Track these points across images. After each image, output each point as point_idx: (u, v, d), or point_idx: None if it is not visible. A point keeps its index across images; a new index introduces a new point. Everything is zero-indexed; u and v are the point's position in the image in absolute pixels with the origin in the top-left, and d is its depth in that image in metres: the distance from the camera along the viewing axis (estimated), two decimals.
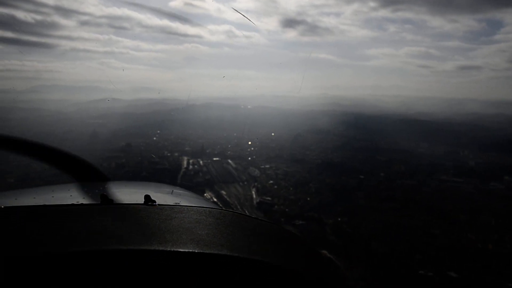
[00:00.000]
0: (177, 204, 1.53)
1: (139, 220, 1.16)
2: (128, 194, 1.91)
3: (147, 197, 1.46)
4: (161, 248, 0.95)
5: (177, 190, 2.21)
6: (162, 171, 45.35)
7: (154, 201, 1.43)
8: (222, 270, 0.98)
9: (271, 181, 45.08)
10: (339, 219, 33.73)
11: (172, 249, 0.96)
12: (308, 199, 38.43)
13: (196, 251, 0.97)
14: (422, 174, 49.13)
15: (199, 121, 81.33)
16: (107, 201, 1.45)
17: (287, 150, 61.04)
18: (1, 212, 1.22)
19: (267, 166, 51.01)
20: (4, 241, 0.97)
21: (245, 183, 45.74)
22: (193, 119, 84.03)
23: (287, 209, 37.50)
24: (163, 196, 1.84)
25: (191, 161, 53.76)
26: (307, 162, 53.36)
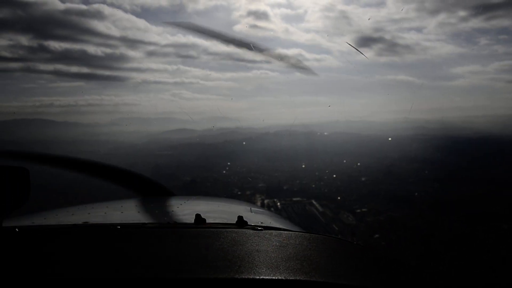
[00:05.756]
0: (281, 228, 1.48)
1: (254, 245, 1.15)
2: (213, 212, 1.92)
3: (240, 218, 1.44)
4: (293, 278, 0.91)
5: (255, 208, 2.21)
6: None
7: (246, 222, 1.43)
8: None
9: (377, 235, 32.90)
10: None
11: (309, 279, 0.92)
12: (441, 268, 26.02)
13: (329, 281, 0.93)
14: None
15: (273, 151, 72.46)
16: (201, 220, 1.45)
17: (383, 185, 48.95)
18: (95, 231, 1.23)
19: (364, 209, 39.37)
20: (110, 263, 0.95)
21: (339, 235, 34.38)
22: (267, 149, 75.63)
23: None
24: (246, 215, 1.75)
25: (265, 201, 44.15)
26: (414, 202, 41.04)
